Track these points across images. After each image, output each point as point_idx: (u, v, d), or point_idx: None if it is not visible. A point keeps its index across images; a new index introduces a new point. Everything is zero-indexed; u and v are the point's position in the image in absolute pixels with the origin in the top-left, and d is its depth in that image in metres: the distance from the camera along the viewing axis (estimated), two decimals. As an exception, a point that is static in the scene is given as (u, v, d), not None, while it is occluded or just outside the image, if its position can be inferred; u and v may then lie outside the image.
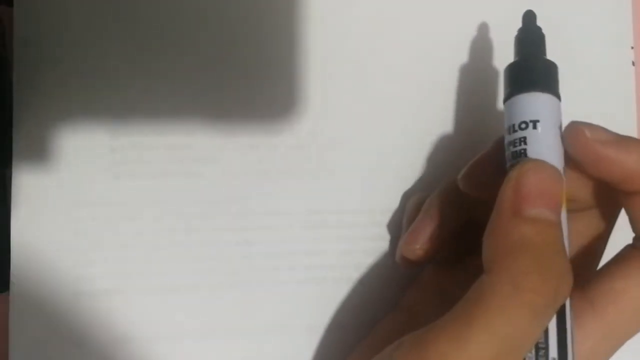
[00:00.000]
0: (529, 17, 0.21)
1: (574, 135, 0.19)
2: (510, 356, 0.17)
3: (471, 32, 0.27)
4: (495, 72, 0.26)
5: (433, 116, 0.26)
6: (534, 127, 0.19)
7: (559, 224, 0.18)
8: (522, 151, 0.19)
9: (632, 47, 0.28)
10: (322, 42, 0.26)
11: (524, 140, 0.19)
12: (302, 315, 0.25)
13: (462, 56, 0.26)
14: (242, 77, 0.25)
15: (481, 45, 0.26)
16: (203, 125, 0.25)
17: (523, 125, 0.19)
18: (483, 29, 0.27)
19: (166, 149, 0.24)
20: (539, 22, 0.24)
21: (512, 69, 0.20)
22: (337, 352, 0.25)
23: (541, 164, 0.18)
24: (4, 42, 0.24)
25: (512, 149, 0.19)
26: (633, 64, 0.27)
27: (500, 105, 0.26)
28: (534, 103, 0.19)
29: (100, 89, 0.24)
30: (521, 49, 0.21)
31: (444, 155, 0.26)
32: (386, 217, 0.26)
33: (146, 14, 0.25)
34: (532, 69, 0.20)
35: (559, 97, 0.20)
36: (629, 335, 0.19)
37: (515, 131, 0.19)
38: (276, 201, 0.25)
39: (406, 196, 0.26)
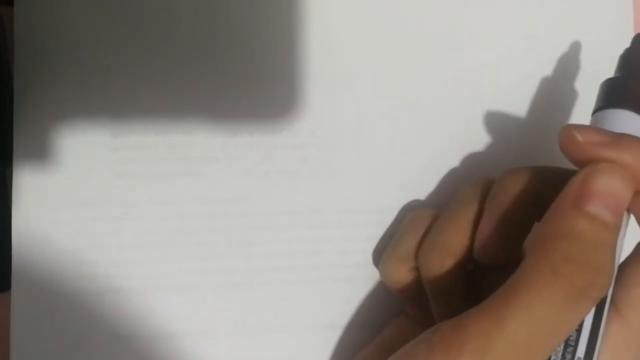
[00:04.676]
0: (638, 41, 0.21)
1: (567, 140, 0.19)
2: (548, 340, 0.17)
3: (467, 30, 0.26)
4: (493, 74, 0.26)
5: (433, 116, 0.26)
6: None
7: (615, 227, 0.18)
8: None
9: (634, 46, 0.28)
10: (322, 42, 0.25)
11: None
12: (303, 315, 0.25)
13: (462, 55, 0.26)
14: (242, 76, 0.25)
15: (481, 45, 0.26)
16: (203, 124, 0.25)
17: None
18: (480, 27, 0.27)
19: (166, 148, 0.24)
20: (541, 21, 0.24)
21: (608, 84, 0.21)
22: (337, 352, 0.25)
23: (615, 168, 0.18)
24: (4, 42, 0.24)
25: None
26: (635, 63, 0.27)
27: (491, 109, 0.26)
28: (625, 119, 0.20)
29: (101, 89, 0.24)
30: (623, 68, 0.21)
31: (445, 156, 0.26)
32: (386, 216, 0.26)
33: (146, 13, 0.25)
34: (630, 88, 0.20)
35: None
36: None
37: None
38: (276, 201, 0.25)
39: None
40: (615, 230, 0.18)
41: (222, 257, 0.24)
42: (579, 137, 0.18)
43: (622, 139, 0.18)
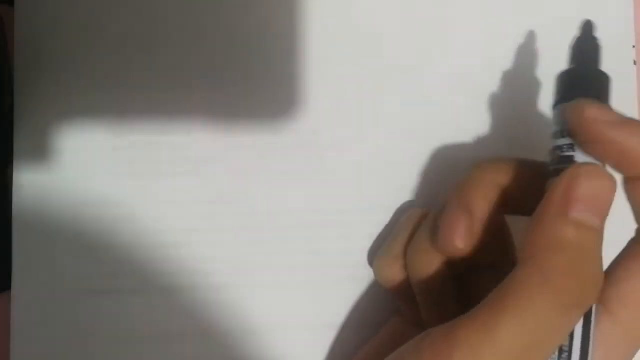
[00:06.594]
0: (588, 27, 0.21)
1: (575, 114, 0.18)
2: (539, 349, 0.17)
3: (466, 30, 0.27)
4: (493, 74, 0.26)
5: (432, 115, 0.26)
6: None
7: (601, 231, 0.18)
8: (570, 157, 0.19)
9: (634, 46, 0.28)
10: (322, 42, 0.25)
11: (571, 147, 0.19)
12: (302, 315, 0.25)
13: (462, 55, 0.26)
14: (243, 76, 0.25)
15: (476, 43, 0.26)
16: (204, 124, 0.25)
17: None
18: (479, 27, 0.27)
19: (167, 148, 0.24)
20: (541, 21, 0.24)
21: (565, 76, 0.20)
22: (337, 352, 0.25)
23: (597, 170, 0.18)
24: (4, 42, 0.24)
25: (559, 153, 0.19)
26: (635, 63, 0.27)
27: (490, 109, 0.26)
28: None
29: (101, 89, 0.24)
30: (576, 58, 0.21)
31: (445, 155, 0.26)
32: (386, 216, 0.26)
33: (146, 14, 0.25)
34: (586, 78, 0.20)
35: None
36: None
37: (563, 137, 0.19)
38: (276, 200, 0.25)
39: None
40: (601, 233, 0.18)
41: (222, 257, 0.24)
42: (588, 113, 0.18)
43: (630, 121, 0.18)
